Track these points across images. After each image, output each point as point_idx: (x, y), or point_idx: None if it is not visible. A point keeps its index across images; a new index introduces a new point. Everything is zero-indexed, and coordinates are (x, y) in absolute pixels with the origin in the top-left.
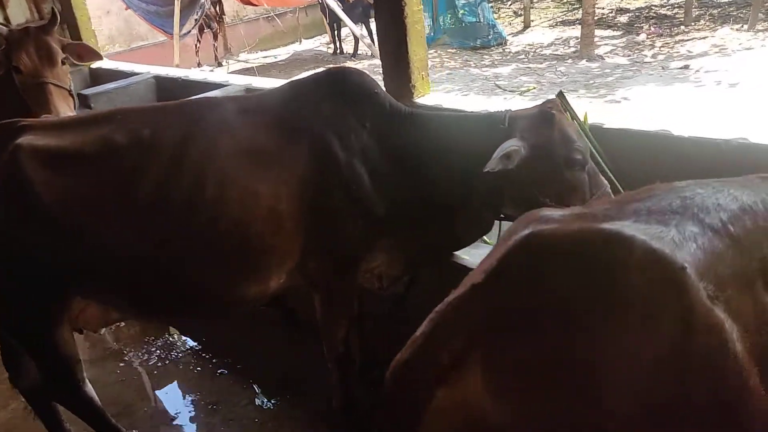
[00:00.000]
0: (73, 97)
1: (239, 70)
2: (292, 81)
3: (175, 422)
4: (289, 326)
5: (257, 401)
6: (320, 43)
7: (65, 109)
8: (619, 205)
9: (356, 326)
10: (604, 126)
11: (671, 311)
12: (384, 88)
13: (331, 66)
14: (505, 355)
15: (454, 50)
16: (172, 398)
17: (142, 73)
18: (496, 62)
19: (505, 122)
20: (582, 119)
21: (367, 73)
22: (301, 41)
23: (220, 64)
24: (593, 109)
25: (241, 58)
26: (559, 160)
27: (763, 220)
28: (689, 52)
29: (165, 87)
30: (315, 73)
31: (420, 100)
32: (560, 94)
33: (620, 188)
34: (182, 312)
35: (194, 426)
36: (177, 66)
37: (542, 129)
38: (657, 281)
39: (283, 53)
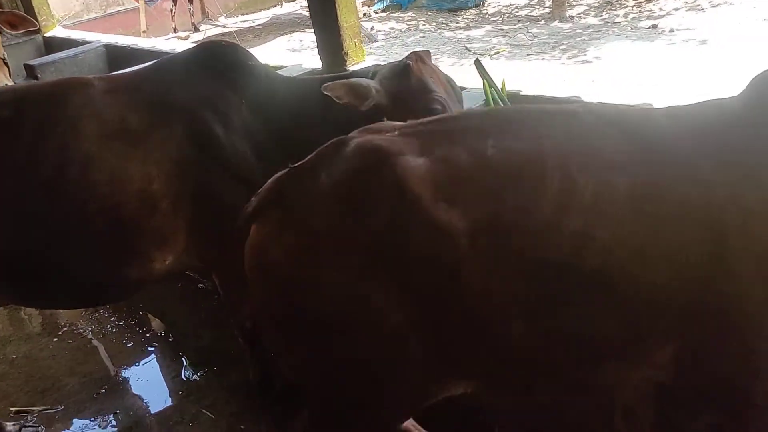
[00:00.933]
0: (7, 66)
1: (216, 35)
2: (163, 58)
3: (100, 397)
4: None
5: (184, 374)
6: (301, 6)
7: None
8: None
9: None
10: (521, 93)
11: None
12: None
13: (205, 40)
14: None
15: (431, 13)
16: (101, 373)
17: (92, 42)
18: (470, 24)
19: (369, 75)
20: (500, 86)
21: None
22: (282, 4)
23: (196, 29)
24: (565, 71)
25: (220, 22)
26: (418, 109)
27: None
28: (661, 10)
29: (116, 56)
30: (187, 49)
31: (353, 67)
32: (477, 62)
33: None
34: (64, 299)
35: (119, 400)
36: (144, 33)
37: (400, 79)
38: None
39: (262, 17)
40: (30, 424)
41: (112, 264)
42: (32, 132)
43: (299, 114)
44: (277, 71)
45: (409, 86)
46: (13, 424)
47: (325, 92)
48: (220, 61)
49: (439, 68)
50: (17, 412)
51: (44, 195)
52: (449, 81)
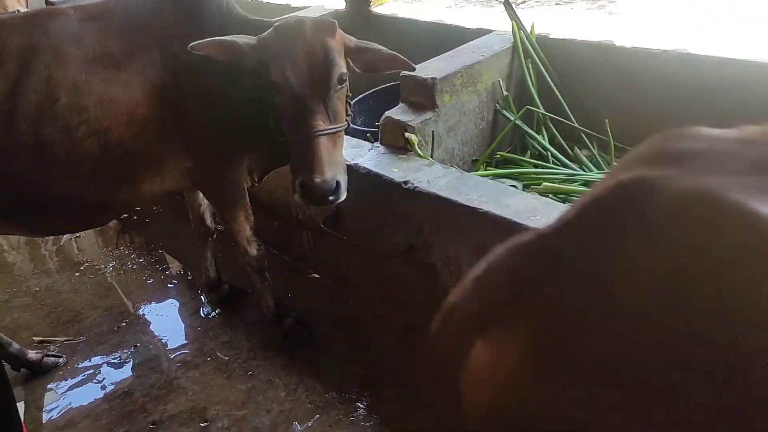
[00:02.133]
0: None
1: None
2: None
3: (120, 330)
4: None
5: (203, 311)
6: None
7: (14, 4)
8: None
9: None
10: (550, 36)
11: None
12: None
13: None
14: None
15: None
16: (121, 307)
17: None
18: None
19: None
20: (529, 30)
21: None
22: None
23: None
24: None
25: None
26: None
27: None
28: None
29: None
30: None
31: (378, 9)
32: (506, 3)
33: (566, 108)
34: (57, 223)
35: (139, 333)
36: None
37: (286, 40)
38: None
39: None
40: (52, 353)
41: (102, 187)
42: (15, 62)
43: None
44: (299, 11)
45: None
46: (36, 353)
47: (194, 50)
48: None
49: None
50: (40, 342)
51: (33, 123)
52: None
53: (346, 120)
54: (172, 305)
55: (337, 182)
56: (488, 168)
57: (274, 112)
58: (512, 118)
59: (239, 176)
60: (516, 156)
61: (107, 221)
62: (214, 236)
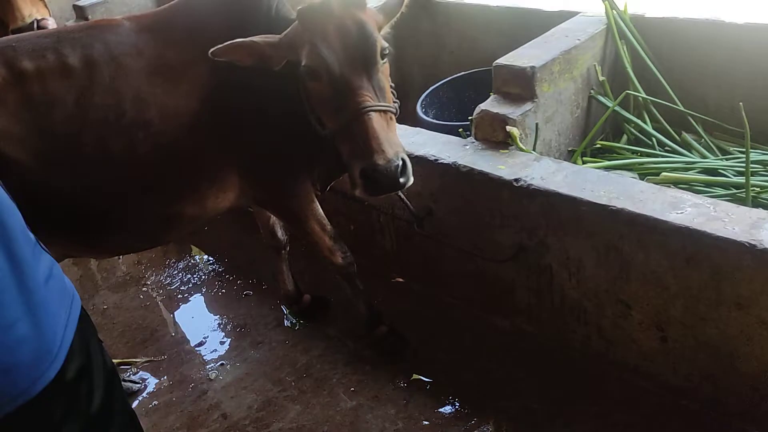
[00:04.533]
0: (43, 1)
1: None
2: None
3: (203, 346)
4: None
5: (286, 322)
6: None
7: (30, 11)
8: None
9: None
10: (646, 15)
11: None
12: None
13: None
14: None
15: None
16: (198, 322)
17: None
18: None
19: (273, 10)
20: (622, 9)
21: None
22: None
23: None
24: None
25: None
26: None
27: None
28: None
29: None
30: None
31: None
32: None
33: (669, 91)
34: (123, 242)
35: (223, 349)
36: None
37: (313, 22)
38: None
39: None
40: (130, 378)
41: (167, 203)
42: (80, 74)
43: None
44: None
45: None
46: None
47: (215, 57)
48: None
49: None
50: (119, 365)
51: (99, 135)
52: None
53: (395, 104)
54: (251, 318)
55: (403, 160)
56: (584, 158)
57: (314, 105)
58: (609, 105)
59: (303, 190)
60: (614, 144)
61: (174, 238)
62: (287, 248)
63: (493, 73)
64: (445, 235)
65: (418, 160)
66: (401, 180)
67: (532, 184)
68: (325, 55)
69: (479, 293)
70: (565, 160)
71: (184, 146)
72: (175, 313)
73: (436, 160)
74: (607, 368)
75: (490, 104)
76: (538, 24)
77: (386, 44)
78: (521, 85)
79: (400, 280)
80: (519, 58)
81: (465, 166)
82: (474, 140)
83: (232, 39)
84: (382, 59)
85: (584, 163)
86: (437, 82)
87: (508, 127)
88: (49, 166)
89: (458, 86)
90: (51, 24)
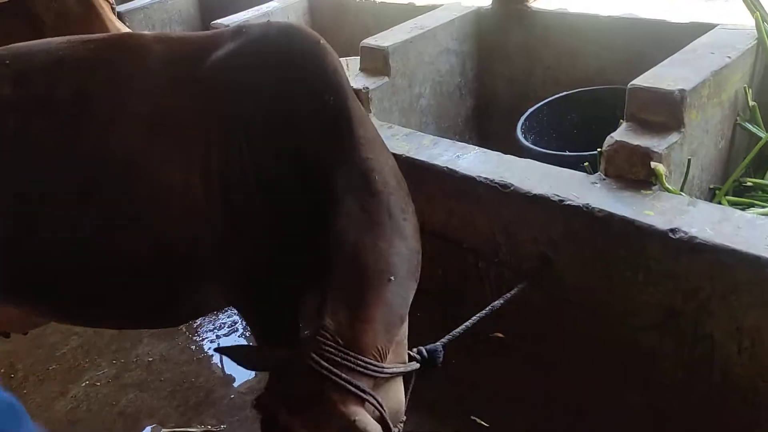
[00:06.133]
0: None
1: None
2: (240, 27)
3: None
4: None
5: None
6: None
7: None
8: None
9: None
10: None
11: None
12: None
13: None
14: None
15: None
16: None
17: None
18: None
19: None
20: None
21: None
22: None
23: None
24: None
25: None
26: None
27: None
28: None
29: (210, 1)
30: (262, 26)
31: (536, 4)
32: None
33: None
34: (105, 322)
35: None
36: None
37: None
38: None
39: None
40: None
41: (153, 303)
42: (67, 113)
43: None
44: (432, 10)
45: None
46: None
47: None
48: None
49: None
50: None
51: (73, 200)
52: None
53: None
54: None
55: None
56: (727, 198)
57: None
58: (760, 134)
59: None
60: (763, 181)
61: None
62: None
63: (629, 96)
64: (565, 290)
65: (536, 200)
66: None
67: (696, 237)
68: None
69: (607, 360)
70: (706, 199)
71: (174, 235)
72: (234, 369)
73: (561, 201)
74: None
75: (626, 134)
76: (660, 38)
77: None
78: (666, 112)
79: (500, 335)
80: (661, 78)
81: (601, 210)
82: (604, 177)
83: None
84: None
85: (731, 204)
86: (530, 101)
87: (653, 164)
88: (22, 221)
89: (559, 108)
90: None
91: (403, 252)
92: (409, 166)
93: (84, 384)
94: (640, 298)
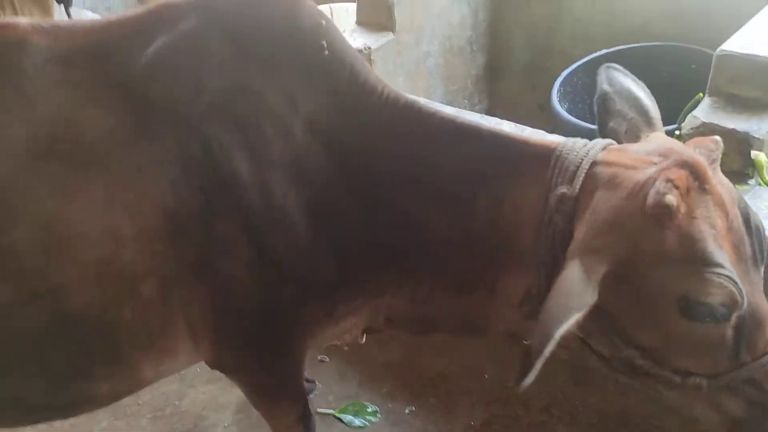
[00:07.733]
0: None
1: None
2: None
3: None
4: None
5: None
6: None
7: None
8: None
9: None
10: None
11: None
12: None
13: None
14: None
15: None
16: None
17: None
18: None
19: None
20: None
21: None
22: None
23: None
24: None
25: None
26: None
27: None
28: None
29: None
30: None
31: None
32: None
33: None
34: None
35: None
36: None
37: None
38: None
39: None
40: None
41: (68, 377)
42: None
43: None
44: None
45: None
46: None
47: None
48: (264, 28)
49: None
50: None
51: None
52: None
53: None
54: (331, 390)
55: None
56: None
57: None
58: None
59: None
60: None
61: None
62: None
63: (715, 65)
64: None
65: None
66: None
67: None
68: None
69: None
70: None
71: (91, 295)
72: (226, 389)
73: None
74: None
75: (712, 112)
76: None
77: None
78: (763, 86)
79: None
80: (754, 43)
81: None
82: None
83: (248, 120)
84: None
85: None
86: (553, 59)
87: (753, 153)
88: None
89: (596, 70)
90: None
91: None
92: None
93: None
94: None
